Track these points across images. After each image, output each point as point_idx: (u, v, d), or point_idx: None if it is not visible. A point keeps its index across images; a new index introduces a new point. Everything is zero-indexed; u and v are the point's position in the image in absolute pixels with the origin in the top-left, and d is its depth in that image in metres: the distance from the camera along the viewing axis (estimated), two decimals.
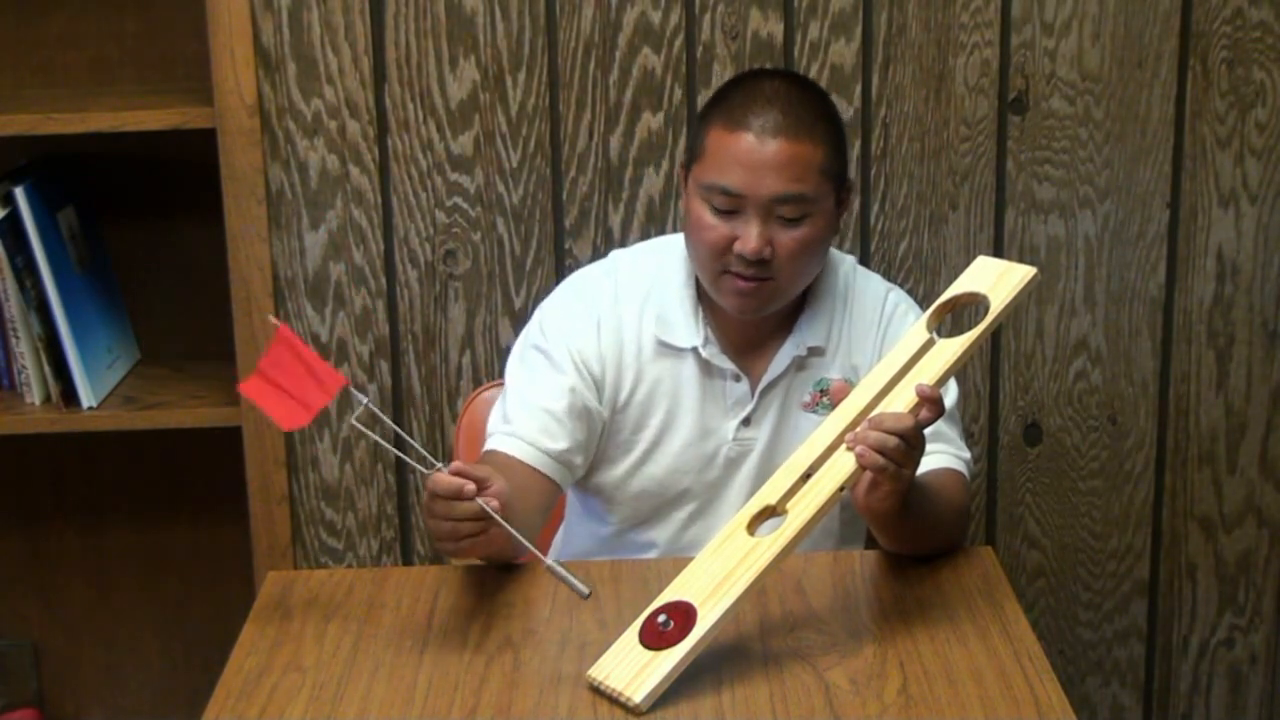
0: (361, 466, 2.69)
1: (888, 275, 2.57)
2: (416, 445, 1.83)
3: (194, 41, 2.59)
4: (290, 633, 1.88)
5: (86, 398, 2.59)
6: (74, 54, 2.67)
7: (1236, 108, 2.58)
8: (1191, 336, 2.67)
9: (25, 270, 2.55)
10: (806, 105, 2.05)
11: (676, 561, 2.02)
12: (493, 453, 2.11)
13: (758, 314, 2.09)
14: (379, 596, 1.95)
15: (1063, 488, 2.73)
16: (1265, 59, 2.57)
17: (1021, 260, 2.61)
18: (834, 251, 2.21)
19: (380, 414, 1.89)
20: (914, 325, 1.94)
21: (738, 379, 2.13)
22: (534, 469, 2.08)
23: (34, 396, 2.62)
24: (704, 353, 2.13)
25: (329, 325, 2.65)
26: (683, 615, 1.74)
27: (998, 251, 2.63)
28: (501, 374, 2.55)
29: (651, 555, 2.19)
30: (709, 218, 2.04)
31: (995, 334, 2.66)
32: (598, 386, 2.15)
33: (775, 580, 1.95)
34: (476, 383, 2.64)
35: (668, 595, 1.77)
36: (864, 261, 2.58)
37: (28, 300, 2.55)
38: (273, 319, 1.95)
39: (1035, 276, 1.89)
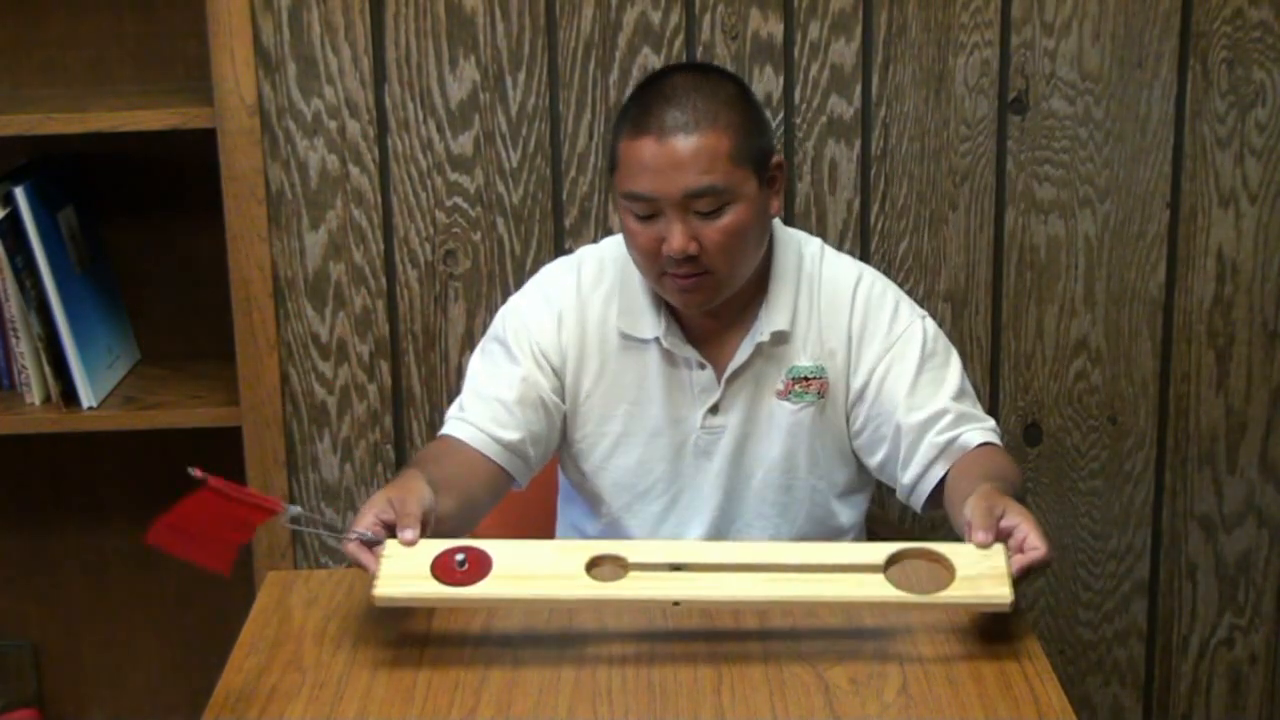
0: (361, 466, 2.69)
1: (887, 275, 2.56)
2: (357, 533, 1.82)
3: (194, 41, 2.59)
4: (290, 633, 1.88)
5: (86, 398, 2.59)
6: (74, 54, 2.67)
7: (1236, 108, 2.58)
8: (1191, 336, 2.67)
9: (25, 270, 2.55)
10: (705, 95, 2.02)
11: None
12: (444, 437, 2.13)
13: (707, 306, 2.09)
14: None
15: (1063, 488, 2.73)
16: (1265, 59, 2.56)
17: (1021, 260, 2.63)
18: (799, 234, 2.20)
19: (310, 515, 1.88)
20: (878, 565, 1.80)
21: (702, 366, 2.13)
22: (484, 455, 2.09)
23: (34, 396, 2.62)
24: (665, 342, 2.13)
25: (329, 325, 2.65)
26: (477, 563, 1.77)
27: (998, 252, 2.63)
28: None
29: None
30: (634, 225, 2.04)
31: (995, 334, 2.66)
32: (558, 377, 2.16)
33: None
34: None
35: (478, 542, 1.79)
36: (864, 261, 2.58)
37: (28, 300, 2.55)
38: (196, 472, 1.80)
39: (1004, 605, 1.75)
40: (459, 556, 1.78)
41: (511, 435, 2.11)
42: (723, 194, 2.01)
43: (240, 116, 2.52)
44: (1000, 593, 1.75)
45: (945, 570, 1.78)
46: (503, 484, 2.12)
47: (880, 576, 1.77)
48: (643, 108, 2.03)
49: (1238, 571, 2.77)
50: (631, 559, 1.80)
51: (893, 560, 1.79)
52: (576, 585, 1.77)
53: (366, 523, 1.82)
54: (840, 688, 1.72)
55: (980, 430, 2.11)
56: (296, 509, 1.81)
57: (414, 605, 1.76)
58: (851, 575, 1.77)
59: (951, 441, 2.09)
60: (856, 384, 2.14)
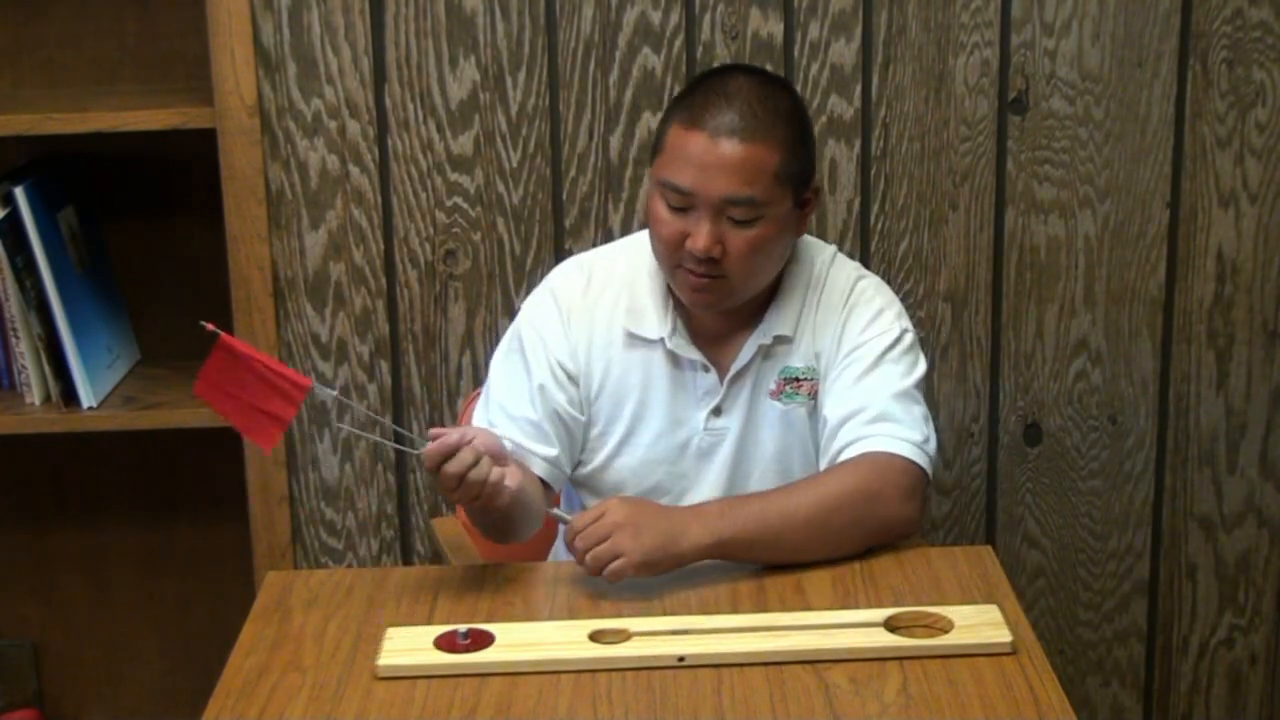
0: (361, 466, 2.69)
1: (887, 275, 2.57)
2: (397, 428, 1.85)
3: (194, 41, 2.59)
4: (290, 633, 1.88)
5: (86, 398, 2.59)
6: (74, 54, 2.67)
7: (1236, 108, 2.58)
8: (1191, 336, 2.67)
9: (25, 270, 2.55)
10: (767, 106, 2.03)
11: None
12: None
13: (713, 309, 2.10)
14: (379, 596, 1.95)
15: (1063, 488, 2.73)
16: (1265, 59, 2.57)
17: (1021, 260, 2.63)
18: (815, 242, 2.21)
19: (353, 403, 1.88)
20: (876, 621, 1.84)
21: (706, 369, 2.14)
22: (527, 469, 2.11)
23: (34, 396, 2.62)
24: (670, 344, 2.13)
25: (329, 325, 2.65)
26: (479, 640, 1.81)
27: (998, 252, 2.63)
28: None
29: None
30: (664, 213, 2.05)
31: (995, 334, 2.66)
32: (574, 382, 2.16)
33: (775, 580, 1.95)
34: (476, 383, 2.64)
35: (479, 625, 1.84)
36: (864, 262, 2.58)
37: (28, 300, 2.55)
38: (209, 326, 1.78)
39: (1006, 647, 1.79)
40: (461, 630, 1.81)
41: (550, 451, 2.13)
42: (758, 207, 2.01)
43: (240, 116, 2.52)
44: (1000, 635, 1.78)
45: (944, 622, 1.82)
46: (547, 495, 2.14)
47: (882, 629, 1.80)
48: (702, 101, 2.03)
49: (1238, 571, 2.77)
50: (634, 629, 1.81)
51: (891, 622, 1.81)
52: (580, 649, 1.79)
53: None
54: (840, 688, 1.72)
55: (884, 438, 2.04)
56: (331, 392, 1.82)
57: (418, 675, 1.76)
58: (855, 629, 1.80)
59: (860, 439, 2.05)
60: (829, 379, 2.14)
